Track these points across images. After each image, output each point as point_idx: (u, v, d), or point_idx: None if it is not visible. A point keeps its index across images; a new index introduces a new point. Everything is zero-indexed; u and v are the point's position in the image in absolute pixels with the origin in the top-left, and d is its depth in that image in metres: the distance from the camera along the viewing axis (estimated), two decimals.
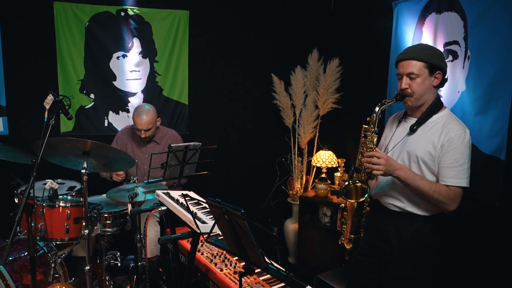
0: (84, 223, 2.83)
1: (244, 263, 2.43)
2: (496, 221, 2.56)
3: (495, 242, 2.58)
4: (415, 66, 2.06)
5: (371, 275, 2.35)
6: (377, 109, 2.11)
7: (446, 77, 2.14)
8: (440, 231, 2.19)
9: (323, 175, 3.95)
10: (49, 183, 2.94)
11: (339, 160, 4.03)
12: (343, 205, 2.22)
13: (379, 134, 2.22)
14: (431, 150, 2.08)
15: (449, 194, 2.03)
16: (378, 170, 2.03)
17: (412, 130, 2.15)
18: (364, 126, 2.14)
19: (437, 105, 2.14)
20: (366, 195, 2.12)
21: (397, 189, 2.17)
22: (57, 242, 2.95)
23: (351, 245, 2.19)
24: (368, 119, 2.13)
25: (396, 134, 2.26)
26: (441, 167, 2.07)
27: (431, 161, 2.09)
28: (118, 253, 3.43)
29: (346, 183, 2.16)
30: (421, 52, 2.07)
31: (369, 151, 2.12)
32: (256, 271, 2.11)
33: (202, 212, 2.34)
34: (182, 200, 2.47)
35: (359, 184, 2.15)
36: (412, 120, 2.19)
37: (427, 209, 2.14)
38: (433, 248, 2.17)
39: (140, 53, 4.01)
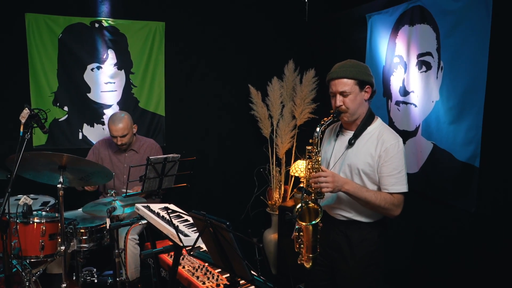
0: (60, 239, 2.76)
1: (226, 275, 2.42)
2: (471, 226, 2.63)
3: (471, 247, 2.64)
4: (346, 84, 2.16)
5: (323, 282, 2.42)
6: (318, 129, 2.17)
7: (374, 89, 2.25)
8: (384, 234, 2.30)
9: (302, 185, 3.97)
10: (23, 198, 2.85)
11: None
12: (297, 226, 2.22)
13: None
14: (369, 161, 2.19)
15: (393, 200, 2.14)
16: (327, 187, 2.09)
17: (351, 144, 2.25)
18: (308, 147, 2.19)
19: (370, 117, 2.26)
20: (319, 216, 2.13)
21: (342, 200, 2.26)
22: (32, 260, 2.85)
23: (310, 263, 2.22)
24: (310, 140, 2.18)
25: (335, 149, 2.34)
26: (381, 176, 2.18)
27: (371, 172, 2.20)
28: (95, 269, 3.35)
29: (299, 206, 2.17)
30: (350, 70, 2.17)
31: (315, 171, 2.17)
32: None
33: (184, 225, 2.31)
34: (163, 213, 2.44)
35: (311, 205, 2.18)
36: (349, 133, 2.29)
37: (372, 216, 2.25)
38: (380, 252, 2.28)
39: (115, 64, 3.96)
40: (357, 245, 2.25)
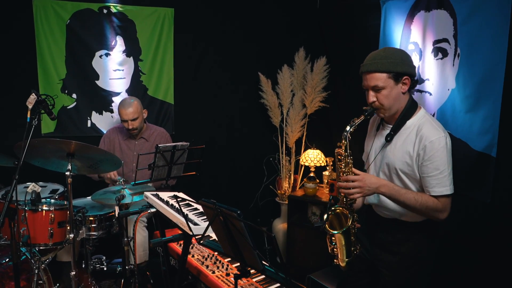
0: (69, 227, 2.74)
1: (236, 265, 2.39)
2: (487, 217, 2.57)
3: (487, 238, 2.59)
4: (378, 78, 1.96)
5: (362, 273, 2.34)
6: (348, 128, 2.00)
7: (416, 78, 2.04)
8: (434, 235, 2.14)
9: (312, 174, 3.92)
10: (32, 186, 2.82)
11: (327, 159, 4.01)
12: (329, 232, 2.08)
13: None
14: (408, 160, 2.01)
15: (437, 204, 1.96)
16: (355, 193, 1.94)
17: (387, 140, 2.08)
18: (337, 150, 2.04)
19: (410, 110, 2.05)
20: (349, 221, 2.01)
21: (383, 200, 2.11)
22: (41, 248, 2.84)
23: (345, 265, 2.13)
24: (339, 143, 2.02)
25: (375, 143, 2.19)
26: (422, 177, 1.99)
27: (410, 172, 2.02)
28: (104, 257, 3.34)
29: (325, 215, 2.05)
30: (382, 62, 1.96)
31: (346, 175, 2.02)
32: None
33: (193, 214, 2.28)
34: (172, 201, 2.41)
35: (339, 210, 2.06)
36: (388, 127, 2.12)
37: (417, 217, 2.08)
38: (426, 254, 2.14)
39: (123, 51, 3.92)
40: (402, 244, 2.11)
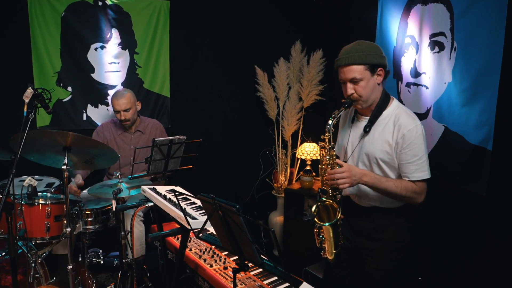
0: (65, 221, 2.73)
1: (234, 258, 2.40)
2: (483, 210, 2.59)
3: (482, 231, 2.61)
4: (356, 70, 2.03)
5: (346, 263, 2.39)
6: (330, 122, 2.06)
7: (388, 70, 2.11)
8: (413, 218, 2.21)
9: (308, 167, 3.93)
10: (28, 179, 2.81)
11: None
12: (318, 223, 2.11)
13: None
14: (387, 149, 2.09)
15: (415, 188, 2.06)
16: (344, 183, 2.00)
17: (366, 131, 2.15)
18: (320, 143, 2.09)
19: (384, 100, 2.13)
20: (338, 213, 2.05)
21: (365, 189, 2.17)
22: (37, 241, 2.83)
23: (333, 257, 2.17)
24: (322, 136, 2.08)
25: (352, 136, 2.24)
26: (401, 164, 2.07)
27: (390, 160, 2.10)
28: (100, 251, 3.34)
29: (314, 207, 2.09)
30: (358, 55, 2.03)
31: (331, 167, 2.08)
32: None
33: (191, 208, 2.28)
34: (169, 195, 2.41)
35: (328, 203, 2.10)
36: (364, 119, 2.19)
37: (397, 202, 2.16)
38: (407, 237, 2.21)
39: (119, 44, 3.88)
40: (384, 230, 2.19)
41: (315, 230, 2.17)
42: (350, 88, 2.07)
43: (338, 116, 2.08)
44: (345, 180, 1.99)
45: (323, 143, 2.09)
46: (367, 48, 2.06)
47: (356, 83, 2.05)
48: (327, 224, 2.07)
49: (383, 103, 2.13)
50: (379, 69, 2.06)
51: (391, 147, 2.07)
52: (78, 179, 3.29)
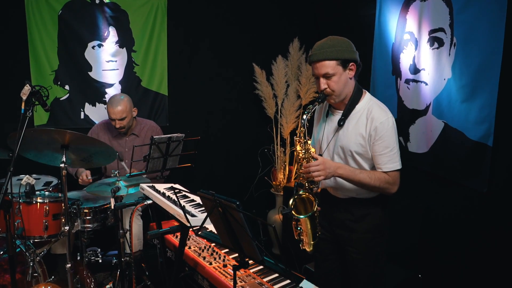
0: (64, 220, 2.72)
1: (234, 256, 2.39)
2: (483, 206, 2.59)
3: (482, 227, 2.60)
4: (328, 66, 2.08)
5: (332, 256, 2.43)
6: (304, 117, 2.11)
7: (359, 64, 2.15)
8: (387, 207, 2.27)
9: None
10: (26, 178, 2.79)
11: None
12: (295, 216, 2.20)
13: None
14: (361, 142, 2.14)
15: (388, 179, 2.12)
16: (319, 176, 2.05)
17: (340, 125, 2.19)
18: (296, 138, 2.15)
19: (357, 94, 2.18)
20: (314, 206, 2.12)
21: (341, 181, 2.21)
22: (36, 240, 2.82)
23: (311, 248, 2.23)
24: (297, 131, 2.13)
25: (327, 130, 2.29)
26: (374, 155, 2.14)
27: (364, 152, 2.16)
28: (99, 249, 3.33)
29: (291, 200, 2.15)
30: (330, 50, 2.07)
31: (306, 161, 2.13)
32: None
33: (190, 205, 2.27)
34: (168, 193, 2.39)
35: (305, 195, 2.16)
36: (338, 113, 2.23)
37: (373, 193, 2.22)
38: (384, 226, 2.27)
39: (116, 42, 3.87)
40: (361, 219, 2.24)
41: (293, 223, 2.23)
42: (323, 83, 2.12)
43: (312, 111, 2.14)
44: (320, 173, 2.04)
45: (298, 138, 2.14)
46: (338, 43, 2.10)
47: (329, 78, 2.10)
48: (303, 216, 2.14)
49: (356, 97, 2.18)
50: (350, 64, 2.11)
51: (364, 139, 2.13)
52: (85, 172, 3.30)
